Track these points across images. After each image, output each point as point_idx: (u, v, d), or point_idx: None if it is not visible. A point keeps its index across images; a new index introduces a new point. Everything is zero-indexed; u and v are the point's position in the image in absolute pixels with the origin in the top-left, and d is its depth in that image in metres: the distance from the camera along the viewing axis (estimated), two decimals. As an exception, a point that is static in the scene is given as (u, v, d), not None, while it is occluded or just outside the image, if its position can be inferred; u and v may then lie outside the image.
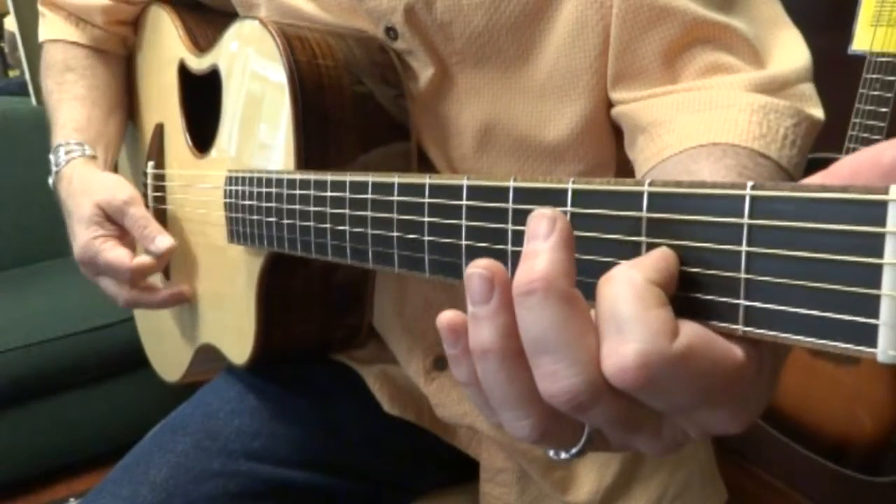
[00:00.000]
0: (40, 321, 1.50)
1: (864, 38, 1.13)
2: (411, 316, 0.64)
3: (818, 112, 0.49)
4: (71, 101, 0.76)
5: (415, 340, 0.64)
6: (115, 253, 0.66)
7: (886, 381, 1.19)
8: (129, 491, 0.61)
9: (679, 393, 0.23)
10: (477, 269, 0.25)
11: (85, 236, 0.67)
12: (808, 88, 0.50)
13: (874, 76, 1.10)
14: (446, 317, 0.27)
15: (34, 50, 1.91)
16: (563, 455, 0.28)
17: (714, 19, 0.49)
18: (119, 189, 0.68)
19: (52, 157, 0.73)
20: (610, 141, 0.57)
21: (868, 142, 1.11)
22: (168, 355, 0.85)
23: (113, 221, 0.68)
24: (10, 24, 2.17)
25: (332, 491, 0.67)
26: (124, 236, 0.68)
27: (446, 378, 0.64)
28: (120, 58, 0.83)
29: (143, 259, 0.66)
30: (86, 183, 0.69)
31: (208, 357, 0.74)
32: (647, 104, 0.51)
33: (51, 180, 0.73)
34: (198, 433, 0.65)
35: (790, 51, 0.51)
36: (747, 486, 1.46)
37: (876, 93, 1.09)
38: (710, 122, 0.45)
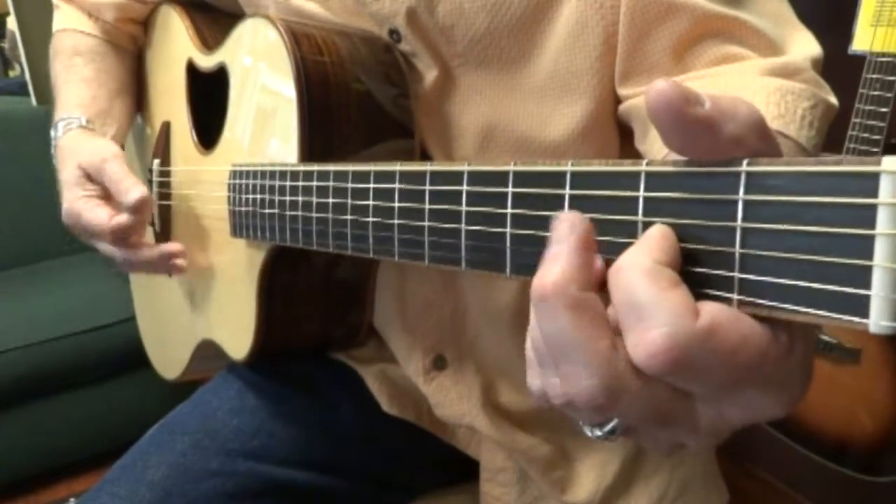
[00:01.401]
0: (40, 321, 1.50)
1: (864, 38, 1.13)
2: (412, 315, 0.64)
3: (832, 98, 0.49)
4: (77, 82, 0.75)
5: (415, 339, 0.64)
6: (94, 213, 0.63)
7: (886, 381, 1.19)
8: (127, 490, 0.61)
9: (714, 372, 0.23)
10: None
11: (68, 199, 0.65)
12: (820, 78, 0.50)
13: (874, 76, 1.10)
14: None
15: (34, 50, 1.91)
16: (598, 433, 0.28)
17: (723, 13, 0.49)
18: (103, 149, 0.66)
19: (52, 131, 0.72)
20: (613, 141, 0.57)
21: (868, 142, 1.11)
22: (168, 352, 0.85)
23: (95, 181, 0.65)
24: (13, 23, 2.17)
25: (332, 490, 0.67)
26: (109, 196, 0.65)
27: (445, 378, 0.64)
28: (130, 52, 0.83)
29: (120, 218, 0.62)
30: (75, 149, 0.68)
31: (208, 354, 0.74)
32: None
33: (53, 161, 0.72)
34: (196, 432, 0.65)
35: (803, 42, 0.51)
36: (747, 486, 1.46)
37: (876, 93, 1.09)
38: None
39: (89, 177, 0.65)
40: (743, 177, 0.22)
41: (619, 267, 0.24)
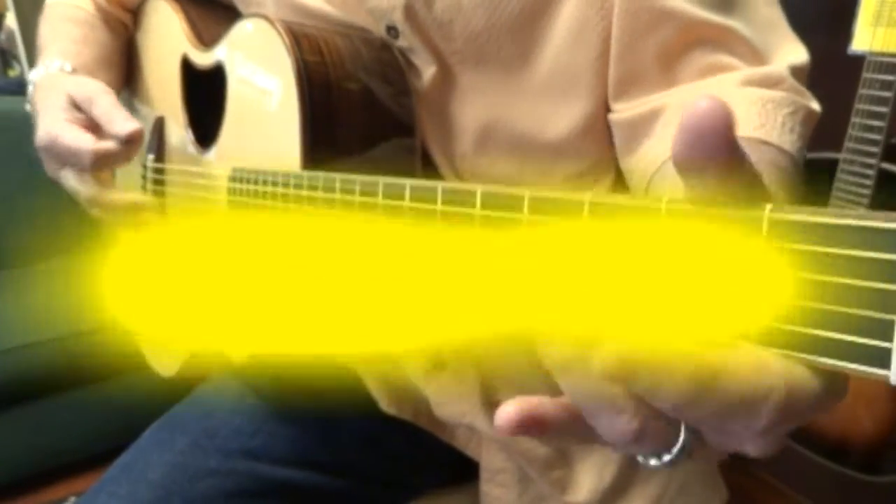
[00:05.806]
0: (40, 321, 1.50)
1: (864, 38, 1.13)
2: (410, 315, 0.64)
3: (814, 104, 0.50)
4: (64, 40, 0.73)
5: (414, 340, 0.64)
6: (76, 135, 0.61)
7: (886, 381, 1.19)
8: (126, 489, 0.61)
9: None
10: None
11: (48, 120, 0.62)
12: (802, 86, 0.50)
13: (874, 76, 1.10)
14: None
15: (34, 49, 1.91)
16: (653, 462, 0.26)
17: (712, 20, 0.49)
18: (95, 84, 0.64)
19: (29, 76, 0.70)
20: (611, 138, 0.57)
21: (868, 142, 1.11)
22: (164, 349, 0.85)
23: (82, 111, 0.63)
24: (11, 20, 2.18)
25: (331, 490, 0.67)
26: (93, 127, 0.62)
27: (445, 378, 0.64)
28: (122, 35, 0.82)
29: (106, 143, 0.60)
30: (61, 83, 0.66)
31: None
32: (645, 111, 0.51)
33: (27, 106, 0.70)
34: (196, 432, 0.65)
35: (789, 51, 0.51)
36: (747, 486, 1.46)
37: (876, 93, 1.09)
38: None
39: (77, 106, 0.63)
40: (765, 222, 0.22)
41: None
